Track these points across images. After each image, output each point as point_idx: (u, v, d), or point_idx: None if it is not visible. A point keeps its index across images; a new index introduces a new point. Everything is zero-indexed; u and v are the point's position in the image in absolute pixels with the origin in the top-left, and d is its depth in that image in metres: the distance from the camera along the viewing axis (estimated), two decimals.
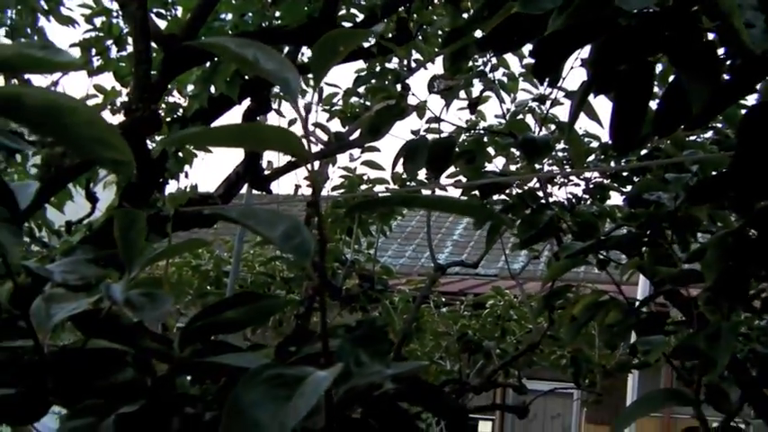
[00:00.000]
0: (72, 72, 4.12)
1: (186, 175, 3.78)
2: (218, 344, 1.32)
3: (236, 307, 1.24)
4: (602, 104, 1.89)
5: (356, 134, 4.75)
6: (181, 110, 3.86)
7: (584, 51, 1.72)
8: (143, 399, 1.21)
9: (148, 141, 3.52)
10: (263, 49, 1.10)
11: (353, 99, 4.82)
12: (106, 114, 3.92)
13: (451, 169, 3.34)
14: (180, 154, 3.65)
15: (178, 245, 1.40)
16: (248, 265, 5.90)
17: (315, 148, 4.61)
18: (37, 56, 0.88)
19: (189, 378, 1.45)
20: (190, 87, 4.05)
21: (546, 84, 3.43)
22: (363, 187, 5.13)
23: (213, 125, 3.80)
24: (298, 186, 5.12)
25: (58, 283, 1.34)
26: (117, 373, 1.30)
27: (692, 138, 3.32)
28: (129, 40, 4.23)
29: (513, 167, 4.01)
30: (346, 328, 1.28)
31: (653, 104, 1.72)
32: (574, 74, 2.72)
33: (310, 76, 4.07)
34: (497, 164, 3.87)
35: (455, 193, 4.11)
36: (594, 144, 3.91)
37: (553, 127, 3.60)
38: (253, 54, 1.09)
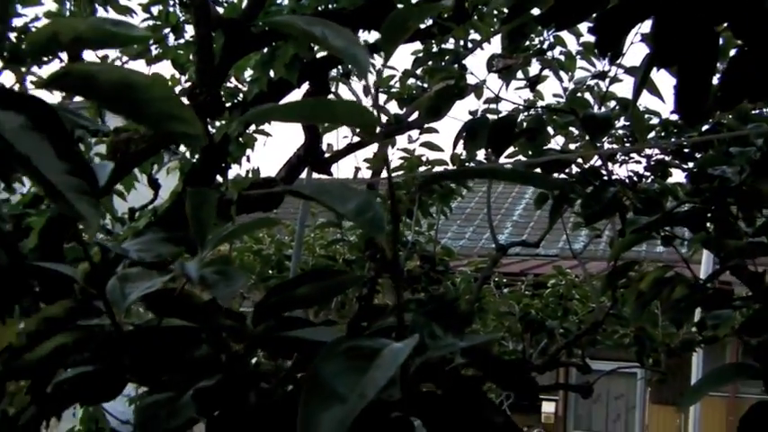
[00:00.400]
0: (131, 61, 4.16)
1: (248, 159, 3.81)
2: (290, 320, 1.34)
3: (308, 283, 1.25)
4: (664, 79, 1.87)
5: (414, 116, 4.74)
6: (240, 95, 3.88)
7: (644, 26, 1.70)
8: (219, 374, 1.23)
9: (210, 126, 3.55)
10: (330, 26, 1.10)
11: (410, 81, 4.80)
12: None
13: (509, 150, 3.32)
14: (241, 139, 3.67)
15: (248, 224, 1.42)
16: (309, 248, 5.92)
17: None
18: (111, 30, 0.90)
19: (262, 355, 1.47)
20: (248, 73, 4.08)
21: (605, 60, 3.40)
22: (422, 169, 5.11)
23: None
24: (357, 169, 5.12)
25: (133, 262, 1.36)
26: (192, 350, 1.31)
27: (757, 111, 3.26)
28: (187, 27, 4.27)
29: (572, 146, 3.99)
30: (417, 303, 1.28)
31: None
32: (632, 50, 2.70)
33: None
34: (557, 142, 3.85)
35: None
36: (655, 120, 3.86)
37: (612, 104, 3.56)
38: (321, 31, 1.10)
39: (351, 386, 0.91)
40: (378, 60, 4.01)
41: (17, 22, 3.88)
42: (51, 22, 0.93)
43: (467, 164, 4.68)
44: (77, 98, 1.03)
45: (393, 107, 4.73)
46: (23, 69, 1.05)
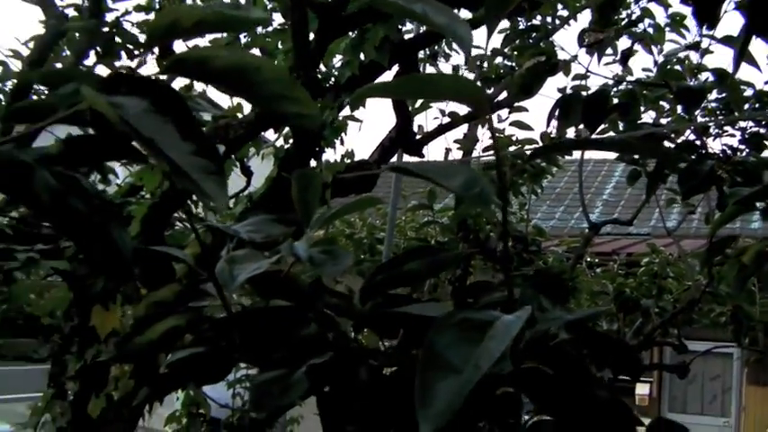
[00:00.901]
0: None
1: (342, 143, 3.83)
2: (397, 297, 1.35)
3: (415, 259, 1.25)
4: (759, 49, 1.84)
5: (503, 95, 4.72)
6: (333, 78, 3.90)
7: None
8: (330, 352, 1.25)
9: None
10: (430, 3, 1.11)
11: (498, 60, 4.78)
12: None
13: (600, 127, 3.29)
14: (335, 123, 3.69)
15: (352, 203, 1.43)
16: (401, 231, 5.94)
17: (464, 110, 4.61)
18: (231, 14, 0.92)
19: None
20: (337, 58, 4.09)
21: (695, 32, 3.35)
22: (512, 148, 5.09)
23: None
24: (448, 150, 5.12)
25: (243, 242, 1.39)
26: (300, 330, 1.34)
27: None
28: (275, 15, 4.30)
29: (663, 121, 3.93)
30: (523, 277, 1.29)
31: None
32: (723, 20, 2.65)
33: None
34: (649, 117, 3.81)
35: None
36: (749, 92, 3.77)
37: (704, 76, 3.50)
38: (421, 8, 1.10)
39: (465, 357, 0.93)
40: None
41: (109, 17, 3.95)
42: (170, 9, 0.95)
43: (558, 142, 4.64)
44: None
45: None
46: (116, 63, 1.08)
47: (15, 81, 3.81)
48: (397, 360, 1.33)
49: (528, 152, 5.30)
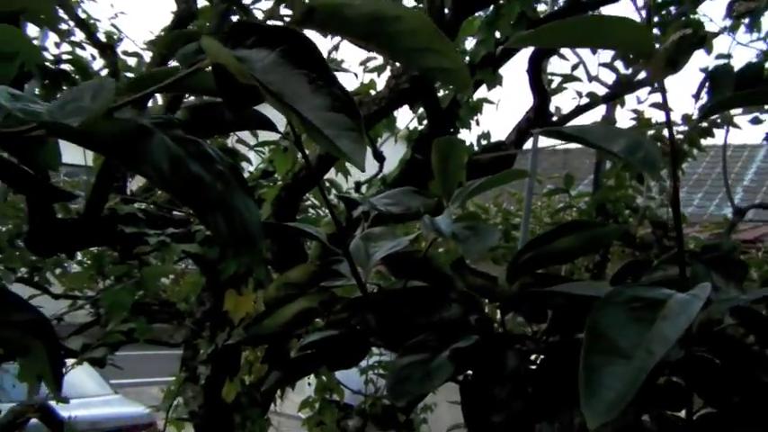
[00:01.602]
0: None
1: (477, 123, 3.71)
2: (546, 276, 1.24)
3: (568, 234, 1.13)
4: None
5: (642, 74, 4.53)
6: (467, 57, 3.79)
7: None
8: (475, 335, 1.14)
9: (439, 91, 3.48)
10: None
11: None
12: None
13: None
14: (470, 102, 3.59)
15: (496, 176, 1.32)
16: (536, 216, 5.81)
17: (601, 90, 4.45)
18: None
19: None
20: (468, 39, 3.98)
21: None
22: (651, 132, 4.90)
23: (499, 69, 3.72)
24: None
25: (379, 220, 1.29)
26: (441, 312, 1.23)
27: None
28: None
29: None
30: (690, 254, 1.16)
31: None
32: None
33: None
34: None
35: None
36: None
37: None
38: None
39: (635, 340, 0.81)
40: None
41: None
42: None
43: (698, 124, 4.44)
44: None
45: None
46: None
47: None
48: (548, 345, 1.22)
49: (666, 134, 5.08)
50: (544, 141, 4.64)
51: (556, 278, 1.24)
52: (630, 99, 4.75)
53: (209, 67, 0.89)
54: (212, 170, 0.89)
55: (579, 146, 1.10)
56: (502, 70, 3.76)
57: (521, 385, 1.07)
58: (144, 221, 3.50)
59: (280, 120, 0.96)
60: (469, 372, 1.17)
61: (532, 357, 1.20)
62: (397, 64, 3.13)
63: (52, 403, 4.26)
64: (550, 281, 1.21)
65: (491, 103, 4.12)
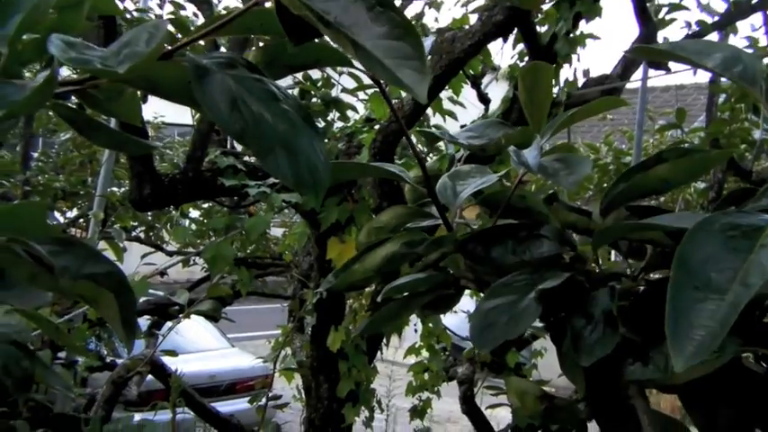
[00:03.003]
0: None
1: (578, 59, 3.59)
2: (644, 209, 1.16)
3: (666, 161, 1.05)
4: None
5: None
6: None
7: None
8: (565, 273, 1.08)
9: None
10: None
11: None
12: None
13: None
14: (570, 34, 3.46)
15: (589, 104, 1.24)
16: (647, 154, 5.64)
17: (710, 20, 4.25)
18: None
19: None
20: None
21: None
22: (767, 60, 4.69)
23: None
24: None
25: (471, 159, 1.23)
26: (532, 250, 1.17)
27: None
28: None
29: None
30: None
31: None
32: None
33: None
34: None
35: None
36: None
37: None
38: None
39: (730, 273, 0.74)
40: None
41: None
42: None
43: None
44: None
45: None
46: None
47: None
48: (645, 283, 1.15)
49: None
50: (655, 80, 4.48)
51: (654, 210, 1.16)
52: (744, 25, 4.55)
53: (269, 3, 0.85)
54: (275, 109, 0.84)
55: (693, 82, 1.02)
56: (605, 1, 3.62)
57: (612, 326, 1.00)
58: (244, 173, 3.50)
59: None
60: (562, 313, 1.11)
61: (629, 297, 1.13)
62: None
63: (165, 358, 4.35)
64: (648, 213, 1.14)
65: (596, 38, 3.98)
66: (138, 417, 4.61)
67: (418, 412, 4.53)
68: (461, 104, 4.03)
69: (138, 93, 1.03)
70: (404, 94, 3.12)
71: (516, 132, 1.17)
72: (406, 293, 1.28)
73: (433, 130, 1.29)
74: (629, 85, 4.14)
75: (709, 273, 0.75)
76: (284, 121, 0.84)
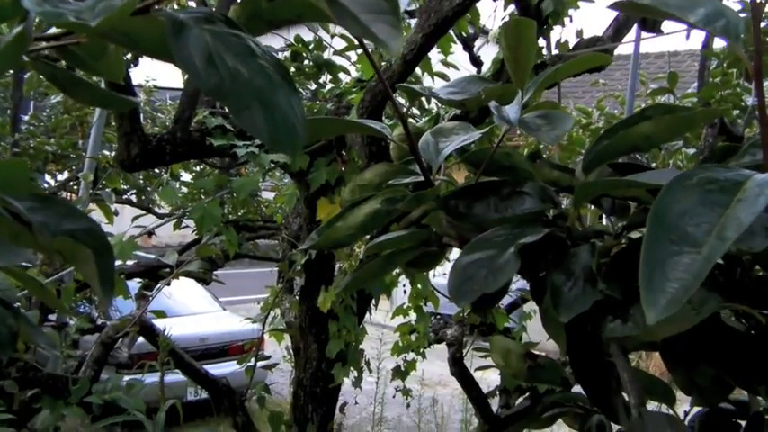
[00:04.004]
0: None
1: (571, 20, 3.56)
2: (625, 165, 1.16)
3: (651, 118, 1.04)
4: None
5: None
6: None
7: None
8: (546, 228, 1.07)
9: None
10: None
11: None
12: None
13: None
14: None
15: (573, 61, 1.23)
16: None
17: None
18: None
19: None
20: None
21: None
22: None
23: None
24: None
25: (458, 115, 1.22)
26: (514, 206, 1.16)
27: None
28: None
29: None
30: None
31: None
32: None
33: None
34: None
35: None
36: None
37: None
38: None
39: (706, 227, 0.73)
40: None
41: None
42: None
43: None
44: None
45: None
46: None
47: None
48: (628, 241, 1.14)
49: None
50: (648, 46, 4.46)
51: (637, 167, 1.15)
52: None
53: None
54: (253, 65, 0.83)
55: (686, 48, 1.01)
56: None
57: (592, 282, 1.00)
58: (233, 133, 3.49)
59: None
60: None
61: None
62: None
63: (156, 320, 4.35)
64: (631, 171, 1.13)
65: (589, 0, 3.95)
66: (127, 378, 4.63)
67: (401, 373, 4.54)
68: (455, 67, 4.02)
69: (130, 55, 1.02)
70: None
71: (496, 87, 1.16)
72: (389, 251, 1.28)
73: (416, 86, 1.28)
74: (622, 51, 4.13)
75: (685, 226, 0.74)
76: (261, 77, 0.83)
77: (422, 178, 1.26)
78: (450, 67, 4.02)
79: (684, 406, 1.30)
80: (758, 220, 0.76)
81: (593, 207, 1.37)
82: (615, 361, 1.08)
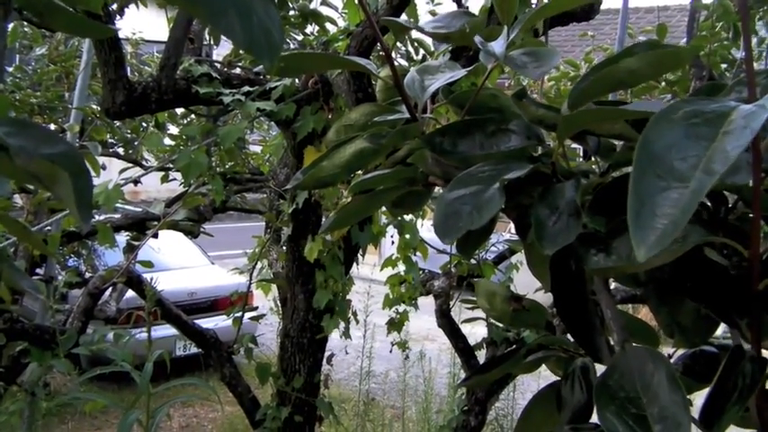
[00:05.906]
0: None
1: None
2: (613, 102, 1.15)
3: (635, 54, 1.03)
4: None
5: None
6: None
7: None
8: (531, 164, 1.07)
9: None
10: None
11: None
12: None
13: None
14: None
15: None
16: None
17: None
18: None
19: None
20: None
21: None
22: None
23: None
24: None
25: (428, 34, 1.21)
26: (500, 144, 1.16)
27: None
28: None
29: None
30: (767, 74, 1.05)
31: None
32: None
33: None
34: None
35: None
36: None
37: None
38: None
39: (693, 160, 0.73)
40: None
41: None
42: None
43: None
44: None
45: None
46: None
47: None
48: (613, 178, 1.14)
49: None
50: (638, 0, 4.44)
51: (623, 103, 1.15)
52: None
53: None
54: None
55: (677, 3, 1.00)
56: None
57: (576, 215, 1.00)
58: (219, 81, 3.46)
59: None
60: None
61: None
62: None
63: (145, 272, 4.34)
64: (617, 104, 1.13)
65: None
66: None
67: (395, 325, 4.54)
68: None
69: (116, 6, 1.00)
70: (380, 1, 3.09)
71: (480, 19, 1.15)
72: (367, 190, 1.27)
73: (401, 20, 1.27)
74: (612, 5, 4.10)
75: (671, 161, 0.74)
76: None
77: (408, 116, 1.25)
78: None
79: (668, 350, 1.30)
80: (741, 153, 0.75)
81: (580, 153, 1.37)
82: (599, 297, 1.08)
